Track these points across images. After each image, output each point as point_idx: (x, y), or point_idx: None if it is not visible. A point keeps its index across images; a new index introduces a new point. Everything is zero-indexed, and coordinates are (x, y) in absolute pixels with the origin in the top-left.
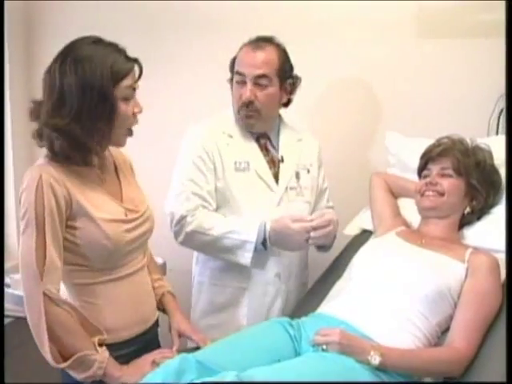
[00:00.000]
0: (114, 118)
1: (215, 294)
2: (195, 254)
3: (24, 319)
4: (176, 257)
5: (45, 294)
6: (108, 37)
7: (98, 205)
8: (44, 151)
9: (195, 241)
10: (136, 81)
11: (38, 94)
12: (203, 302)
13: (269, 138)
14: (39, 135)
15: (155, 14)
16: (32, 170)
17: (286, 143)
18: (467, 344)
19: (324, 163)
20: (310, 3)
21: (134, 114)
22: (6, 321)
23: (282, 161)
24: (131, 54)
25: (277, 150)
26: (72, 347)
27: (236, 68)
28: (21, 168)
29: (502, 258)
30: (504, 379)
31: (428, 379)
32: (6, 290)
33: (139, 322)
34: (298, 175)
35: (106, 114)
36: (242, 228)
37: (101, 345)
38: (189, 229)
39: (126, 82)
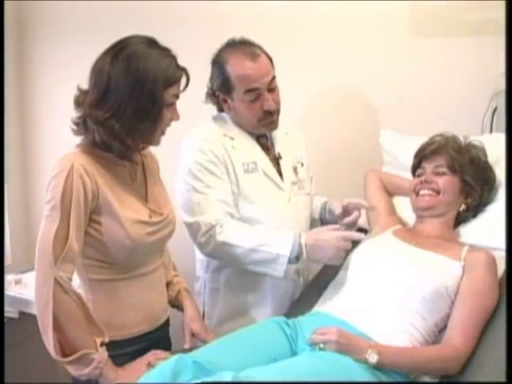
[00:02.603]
0: (158, 121)
1: (233, 300)
2: (204, 260)
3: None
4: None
5: (56, 281)
6: (103, 36)
7: (125, 203)
8: (73, 142)
9: (224, 252)
10: (182, 90)
11: (30, 92)
12: (220, 309)
13: (267, 137)
14: (80, 123)
15: (148, 14)
16: (64, 159)
17: (278, 139)
18: (464, 341)
19: (318, 162)
20: (299, 3)
21: (171, 120)
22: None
23: (280, 157)
24: None
25: (273, 147)
26: (73, 340)
27: (244, 87)
28: (12, 173)
29: (497, 255)
30: (502, 377)
31: (426, 378)
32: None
33: (149, 320)
34: (295, 170)
35: (152, 116)
36: (274, 240)
37: (101, 344)
38: (219, 239)
39: (174, 89)
